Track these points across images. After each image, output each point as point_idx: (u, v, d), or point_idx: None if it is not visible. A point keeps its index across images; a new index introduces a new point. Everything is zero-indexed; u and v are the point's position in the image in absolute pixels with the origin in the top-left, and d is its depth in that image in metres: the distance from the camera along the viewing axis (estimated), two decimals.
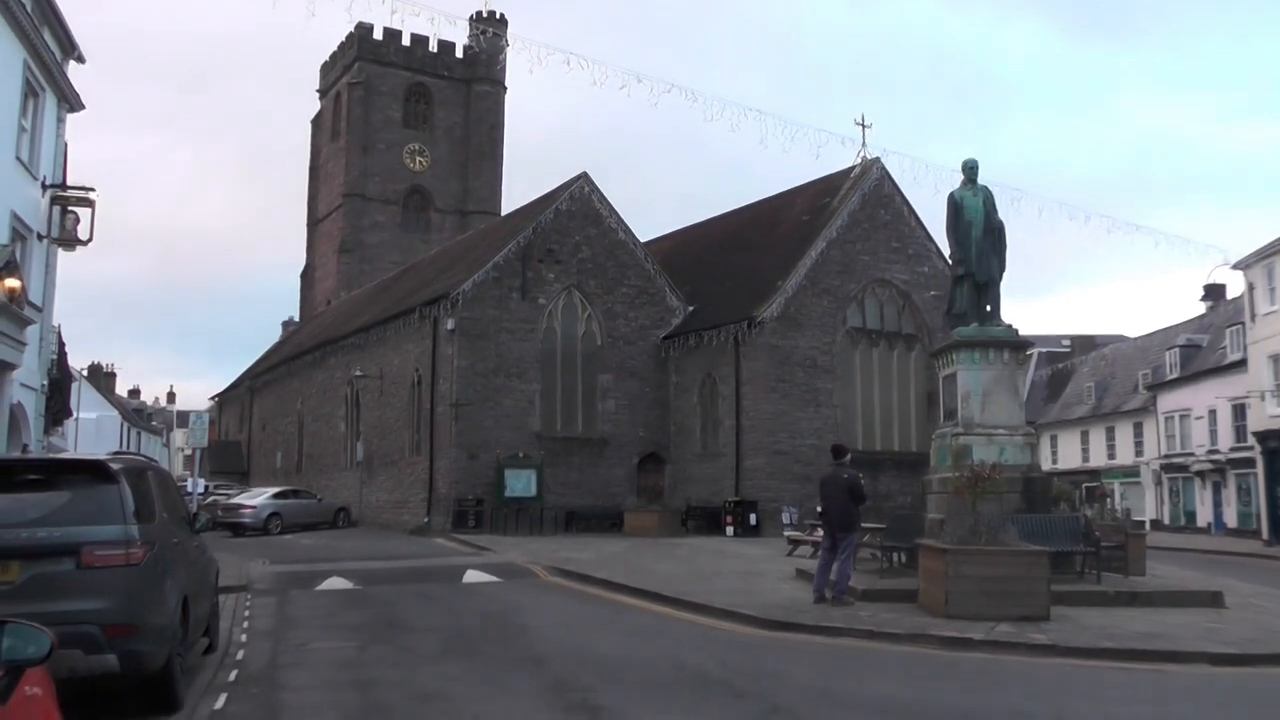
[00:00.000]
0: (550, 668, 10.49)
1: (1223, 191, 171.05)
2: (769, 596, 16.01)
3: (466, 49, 71.23)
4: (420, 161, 70.99)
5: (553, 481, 34.39)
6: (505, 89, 73.89)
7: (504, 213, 62.23)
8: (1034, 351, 59.38)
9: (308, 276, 75.63)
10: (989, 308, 18.47)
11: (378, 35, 70.07)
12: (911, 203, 36.83)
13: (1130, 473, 56.99)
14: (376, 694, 9.25)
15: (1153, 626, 13.29)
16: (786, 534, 25.94)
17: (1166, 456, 52.99)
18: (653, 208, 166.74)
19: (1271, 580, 23.00)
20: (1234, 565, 28.61)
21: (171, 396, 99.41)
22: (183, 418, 76.27)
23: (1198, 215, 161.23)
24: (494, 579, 19.42)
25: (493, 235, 43.23)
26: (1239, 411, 45.19)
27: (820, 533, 22.91)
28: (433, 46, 71.81)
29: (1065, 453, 63.36)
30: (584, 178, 37.74)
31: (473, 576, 19.63)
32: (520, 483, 33.50)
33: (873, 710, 8.91)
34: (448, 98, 72.34)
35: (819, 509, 16.26)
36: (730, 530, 31.73)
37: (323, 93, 76.14)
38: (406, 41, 70.94)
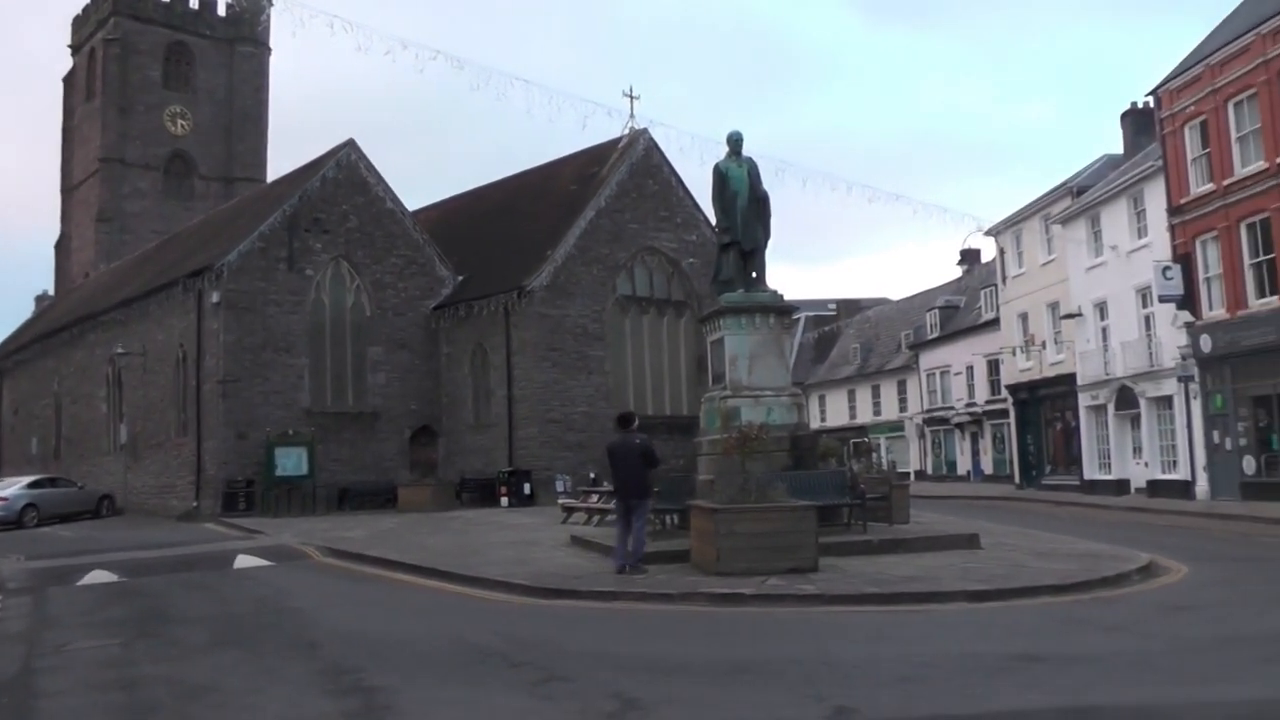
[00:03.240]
0: (324, 651, 10.34)
1: (987, 165, 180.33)
2: (544, 565, 16.19)
3: (229, 8, 68.59)
4: (182, 125, 67.74)
5: (325, 459, 33.69)
6: (269, 50, 71.18)
7: (270, 180, 60.28)
8: (800, 315, 61.54)
9: (63, 247, 71.24)
10: (754, 274, 19.03)
11: None
12: (680, 173, 37.54)
13: (895, 427, 59.94)
14: (143, 692, 8.90)
15: (915, 570, 14.15)
16: (561, 502, 26.22)
17: (928, 410, 55.97)
18: (422, 177, 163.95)
19: (1021, 520, 24.86)
20: (989, 509, 30.59)
21: None
22: None
23: (967, 187, 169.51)
24: (266, 563, 18.97)
25: (258, 203, 41.84)
26: (993, 367, 48.22)
27: (595, 499, 23.28)
28: (193, 3, 68.77)
29: (833, 411, 66.05)
30: (350, 145, 36.92)
31: (244, 561, 19.09)
32: (291, 461, 32.66)
33: (647, 669, 9.09)
34: (210, 59, 69.08)
35: (591, 475, 16.38)
36: (505, 501, 31.78)
37: (75, 48, 71.34)
38: None
